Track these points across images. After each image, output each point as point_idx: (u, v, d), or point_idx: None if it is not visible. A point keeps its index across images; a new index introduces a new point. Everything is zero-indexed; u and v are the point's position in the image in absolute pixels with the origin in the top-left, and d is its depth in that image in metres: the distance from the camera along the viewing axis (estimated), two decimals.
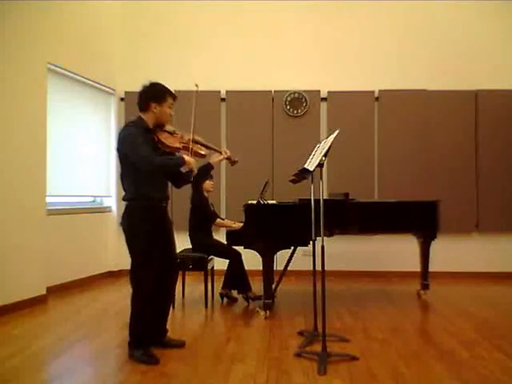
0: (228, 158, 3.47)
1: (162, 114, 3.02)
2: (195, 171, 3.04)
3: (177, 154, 3.07)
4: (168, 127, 3.10)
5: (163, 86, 3.08)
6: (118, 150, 2.98)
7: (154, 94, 3.01)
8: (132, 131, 2.93)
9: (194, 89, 3.11)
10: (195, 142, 3.13)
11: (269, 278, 4.07)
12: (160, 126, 3.06)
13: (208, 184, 4.61)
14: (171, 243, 3.19)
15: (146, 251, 2.96)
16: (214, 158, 3.39)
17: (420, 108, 6.16)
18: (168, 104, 3.03)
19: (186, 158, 2.95)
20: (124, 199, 3.01)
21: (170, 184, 3.23)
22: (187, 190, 3.45)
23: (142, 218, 2.95)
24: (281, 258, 4.49)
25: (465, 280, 5.82)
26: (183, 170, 2.98)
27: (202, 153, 3.19)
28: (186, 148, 3.04)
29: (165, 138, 3.01)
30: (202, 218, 4.54)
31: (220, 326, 3.94)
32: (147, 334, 3.02)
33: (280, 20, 6.33)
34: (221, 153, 3.40)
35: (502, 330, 3.67)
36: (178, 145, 3.03)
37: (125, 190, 3.02)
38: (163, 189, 3.09)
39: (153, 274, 2.98)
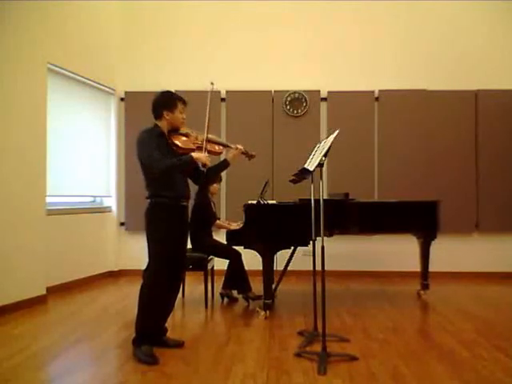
0: (244, 153, 3.49)
1: (174, 120, 3.17)
2: (208, 164, 3.13)
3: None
4: (182, 130, 3.24)
5: (173, 94, 3.25)
6: (137, 156, 3.13)
7: (165, 101, 3.16)
8: (145, 137, 3.07)
9: (209, 88, 3.27)
10: (209, 140, 3.25)
11: (269, 278, 4.07)
12: (175, 130, 3.21)
13: (214, 187, 4.67)
14: (184, 244, 3.26)
15: (160, 248, 3.05)
16: (229, 155, 3.41)
17: (420, 108, 6.16)
18: (179, 109, 3.17)
19: (195, 155, 3.07)
20: (146, 197, 3.14)
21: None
22: (193, 189, 3.48)
23: (159, 216, 3.07)
24: (281, 258, 4.49)
25: (465, 280, 5.82)
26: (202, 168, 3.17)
27: (217, 150, 3.32)
28: (199, 148, 3.19)
29: (179, 141, 3.16)
30: (202, 218, 4.55)
31: (220, 326, 3.94)
32: (152, 331, 3.07)
33: (280, 20, 6.33)
34: (236, 149, 3.42)
35: (502, 330, 3.68)
36: (191, 146, 3.19)
37: (146, 189, 3.15)
38: (182, 187, 3.17)
39: (165, 272, 3.06)
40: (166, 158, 3.01)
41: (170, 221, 3.07)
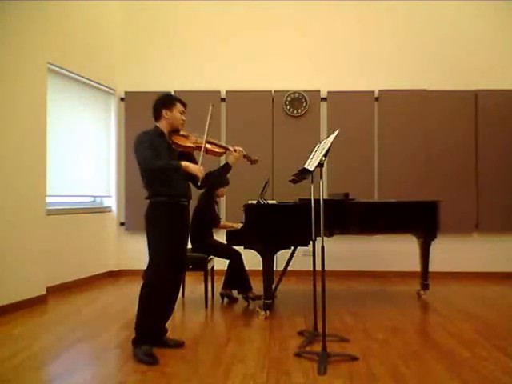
0: (246, 157, 3.49)
1: (173, 119, 3.18)
2: (200, 176, 3.09)
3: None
4: (183, 131, 3.25)
5: (172, 95, 3.35)
6: (134, 155, 3.15)
7: (164, 101, 3.21)
8: (141, 138, 3.10)
9: (210, 108, 3.24)
10: (209, 142, 3.26)
11: (269, 278, 4.07)
12: (175, 131, 3.22)
13: (221, 191, 4.67)
14: (184, 244, 3.26)
15: (160, 248, 3.05)
16: (231, 158, 3.40)
17: (420, 108, 6.16)
18: (178, 109, 3.19)
19: (184, 164, 3.07)
20: (146, 198, 3.15)
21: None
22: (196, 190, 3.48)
23: (159, 216, 3.07)
24: (281, 258, 4.49)
25: (465, 280, 5.82)
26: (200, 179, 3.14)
27: (217, 152, 3.33)
28: (199, 147, 3.19)
29: (178, 140, 3.18)
30: (204, 219, 4.54)
31: (220, 326, 3.94)
32: (152, 331, 3.07)
33: (280, 20, 6.33)
34: (234, 151, 3.41)
35: (502, 330, 3.68)
36: (191, 144, 3.21)
37: (145, 189, 3.16)
38: (182, 187, 3.17)
39: (166, 272, 3.06)
40: (158, 159, 3.02)
41: (169, 220, 3.06)
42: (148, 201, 3.13)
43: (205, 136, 3.20)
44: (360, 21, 6.31)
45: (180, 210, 3.15)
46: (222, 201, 6.12)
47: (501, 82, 6.15)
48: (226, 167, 3.40)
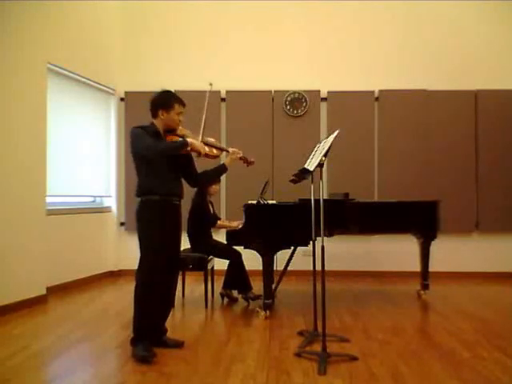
0: (242, 159, 3.49)
1: (169, 121, 3.14)
2: (203, 152, 3.11)
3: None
4: (179, 131, 3.21)
5: (171, 94, 3.20)
6: (131, 150, 3.13)
7: (162, 101, 3.13)
8: (137, 131, 3.07)
9: (208, 88, 3.28)
10: (205, 143, 3.23)
11: (269, 278, 4.07)
12: (171, 131, 3.18)
13: (214, 188, 4.62)
14: (177, 243, 3.24)
15: (151, 247, 3.05)
16: (227, 159, 3.40)
17: (420, 108, 6.16)
18: (175, 111, 3.12)
19: (189, 140, 3.06)
20: (136, 195, 3.13)
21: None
22: (190, 189, 3.48)
23: (150, 215, 3.06)
24: (281, 258, 4.49)
25: (465, 280, 5.82)
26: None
27: (214, 154, 3.30)
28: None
29: (173, 140, 3.13)
30: (201, 220, 4.53)
31: (220, 326, 3.94)
32: (149, 331, 3.05)
33: (280, 20, 6.34)
34: (233, 153, 3.42)
35: (502, 330, 3.68)
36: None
37: (138, 187, 3.14)
38: (175, 185, 3.15)
39: (158, 271, 3.04)
40: (161, 143, 3.01)
41: (161, 219, 3.04)
42: (138, 199, 3.10)
43: (200, 136, 3.17)
44: (360, 21, 6.31)
45: (171, 208, 3.12)
46: (222, 201, 6.13)
47: (501, 82, 6.15)
48: (222, 168, 3.40)
